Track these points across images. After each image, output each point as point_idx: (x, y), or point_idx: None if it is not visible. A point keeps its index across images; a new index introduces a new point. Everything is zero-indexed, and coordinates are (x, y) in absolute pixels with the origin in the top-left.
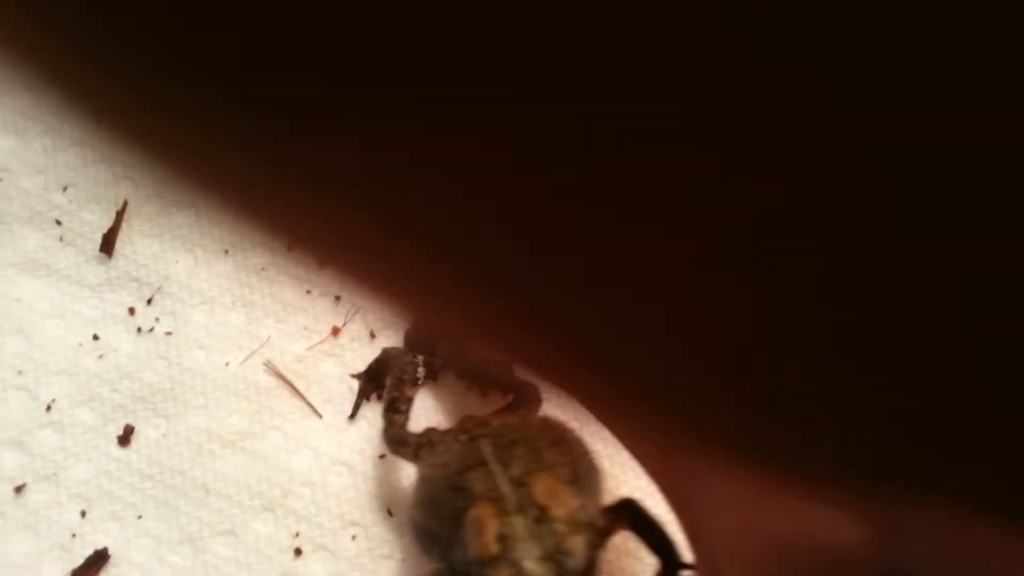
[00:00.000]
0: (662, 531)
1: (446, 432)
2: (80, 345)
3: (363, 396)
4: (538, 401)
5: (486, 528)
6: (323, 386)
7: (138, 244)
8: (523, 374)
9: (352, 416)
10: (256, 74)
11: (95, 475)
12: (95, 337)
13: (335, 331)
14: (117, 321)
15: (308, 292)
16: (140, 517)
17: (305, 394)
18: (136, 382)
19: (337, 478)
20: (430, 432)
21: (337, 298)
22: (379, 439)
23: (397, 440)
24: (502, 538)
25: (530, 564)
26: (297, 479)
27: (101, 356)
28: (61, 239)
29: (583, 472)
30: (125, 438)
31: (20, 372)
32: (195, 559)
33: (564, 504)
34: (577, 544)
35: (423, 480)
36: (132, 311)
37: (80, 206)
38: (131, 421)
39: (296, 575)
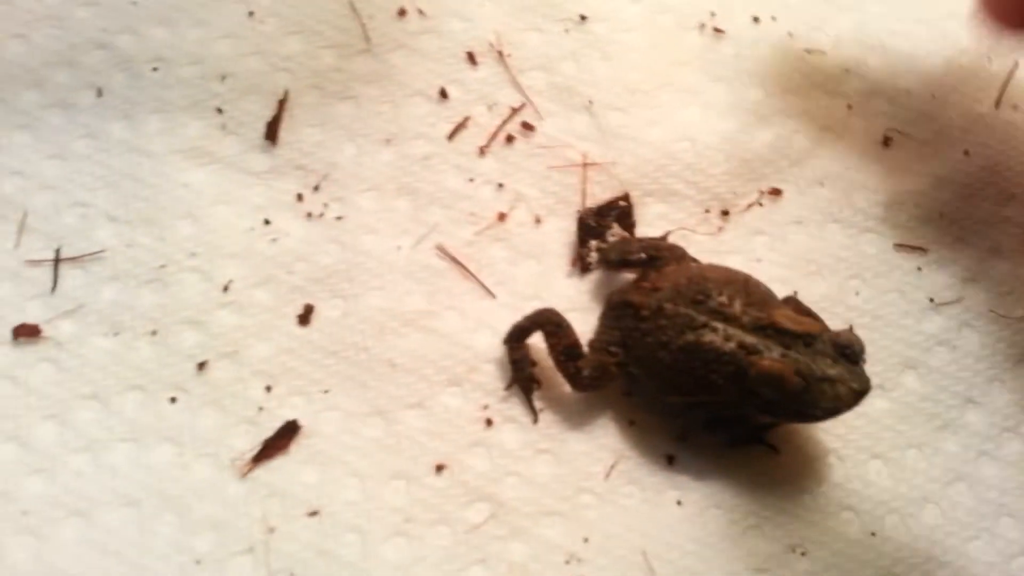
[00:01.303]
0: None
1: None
2: (251, 229)
3: (528, 394)
4: (684, 256)
5: (783, 372)
6: (494, 269)
7: (301, 133)
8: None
9: (535, 421)
10: None
11: (276, 352)
12: (266, 222)
13: (501, 217)
14: (286, 207)
15: (471, 180)
16: (327, 392)
17: (478, 276)
18: (311, 264)
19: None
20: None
21: (500, 185)
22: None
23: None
24: (798, 373)
25: (835, 371)
26: (481, 356)
27: (273, 240)
28: (223, 127)
29: (768, 292)
30: (305, 317)
31: (193, 254)
32: (387, 430)
33: (804, 322)
34: (850, 336)
35: (644, 359)
36: (300, 197)
37: (240, 95)
38: (309, 301)
39: (489, 443)
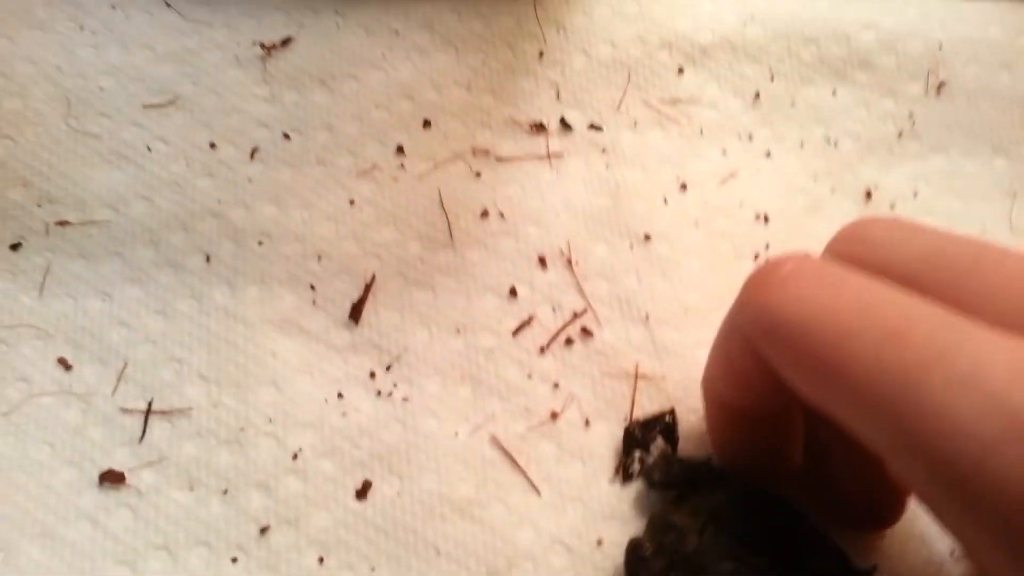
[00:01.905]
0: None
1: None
2: (326, 401)
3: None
4: (724, 478)
5: None
6: (541, 465)
7: (381, 315)
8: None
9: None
10: None
11: (333, 524)
12: (339, 395)
13: (553, 415)
14: (359, 383)
15: (529, 376)
16: (373, 569)
17: (526, 470)
18: (375, 441)
19: (557, 557)
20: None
21: (555, 385)
22: (595, 521)
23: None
24: None
25: None
26: (520, 552)
27: (344, 413)
28: (314, 303)
29: None
30: (363, 492)
31: (271, 420)
32: None
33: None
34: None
35: None
36: (373, 375)
37: (332, 275)
38: (369, 476)
39: None
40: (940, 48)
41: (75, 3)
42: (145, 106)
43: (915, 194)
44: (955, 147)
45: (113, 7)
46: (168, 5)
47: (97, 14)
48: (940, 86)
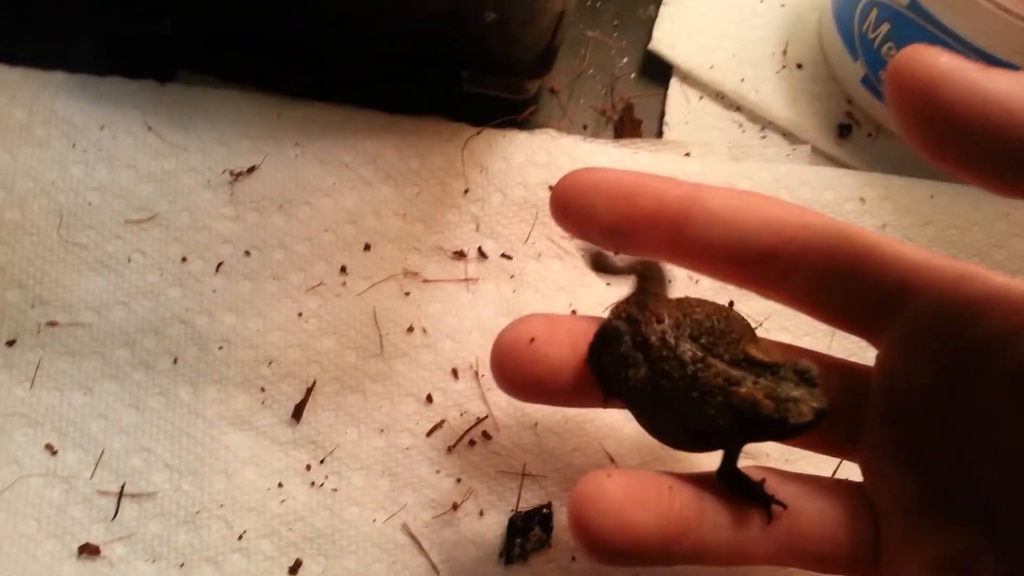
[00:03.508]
0: None
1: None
2: (268, 490)
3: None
4: (664, 280)
5: (757, 398)
6: (442, 549)
7: (319, 415)
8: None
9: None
10: None
11: None
12: (280, 485)
13: (455, 506)
14: (297, 474)
15: (437, 472)
16: None
17: (428, 553)
18: (307, 525)
19: None
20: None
21: (458, 480)
22: None
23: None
24: (768, 397)
25: (798, 393)
26: None
27: (283, 501)
28: (263, 403)
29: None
30: (295, 569)
31: (222, 505)
32: None
33: (771, 352)
34: (807, 363)
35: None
36: (309, 468)
37: (280, 379)
38: (300, 556)
39: None
40: None
41: (69, 122)
42: (127, 221)
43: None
44: None
45: (102, 127)
46: (149, 128)
47: (87, 134)
48: None
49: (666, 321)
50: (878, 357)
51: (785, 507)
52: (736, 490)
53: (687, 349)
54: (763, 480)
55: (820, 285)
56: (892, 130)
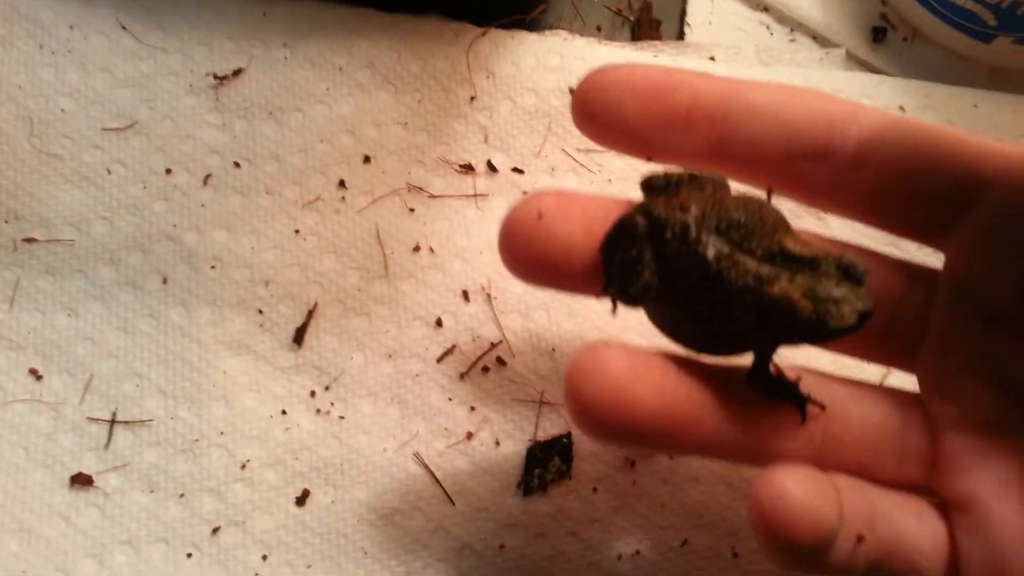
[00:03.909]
0: None
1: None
2: (271, 417)
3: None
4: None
5: (792, 297)
6: (456, 479)
7: (322, 339)
8: None
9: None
10: None
11: (275, 527)
12: (283, 412)
13: (469, 435)
14: (301, 402)
15: (449, 400)
16: (309, 567)
17: (443, 483)
18: (313, 454)
19: (465, 560)
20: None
21: (472, 408)
22: (499, 529)
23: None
24: (806, 296)
25: (840, 292)
26: (435, 555)
27: (287, 429)
28: (261, 326)
29: (779, 215)
30: (302, 499)
31: (222, 433)
32: None
33: (810, 246)
34: (853, 257)
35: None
36: (313, 394)
37: (278, 300)
38: (307, 486)
39: None
40: None
41: (34, 20)
42: (104, 129)
43: None
44: None
45: (71, 27)
46: (124, 28)
47: (55, 33)
48: None
49: (692, 211)
50: (948, 260)
51: (823, 408)
52: (767, 390)
53: (712, 244)
54: (798, 379)
55: (883, 185)
56: (929, 34)
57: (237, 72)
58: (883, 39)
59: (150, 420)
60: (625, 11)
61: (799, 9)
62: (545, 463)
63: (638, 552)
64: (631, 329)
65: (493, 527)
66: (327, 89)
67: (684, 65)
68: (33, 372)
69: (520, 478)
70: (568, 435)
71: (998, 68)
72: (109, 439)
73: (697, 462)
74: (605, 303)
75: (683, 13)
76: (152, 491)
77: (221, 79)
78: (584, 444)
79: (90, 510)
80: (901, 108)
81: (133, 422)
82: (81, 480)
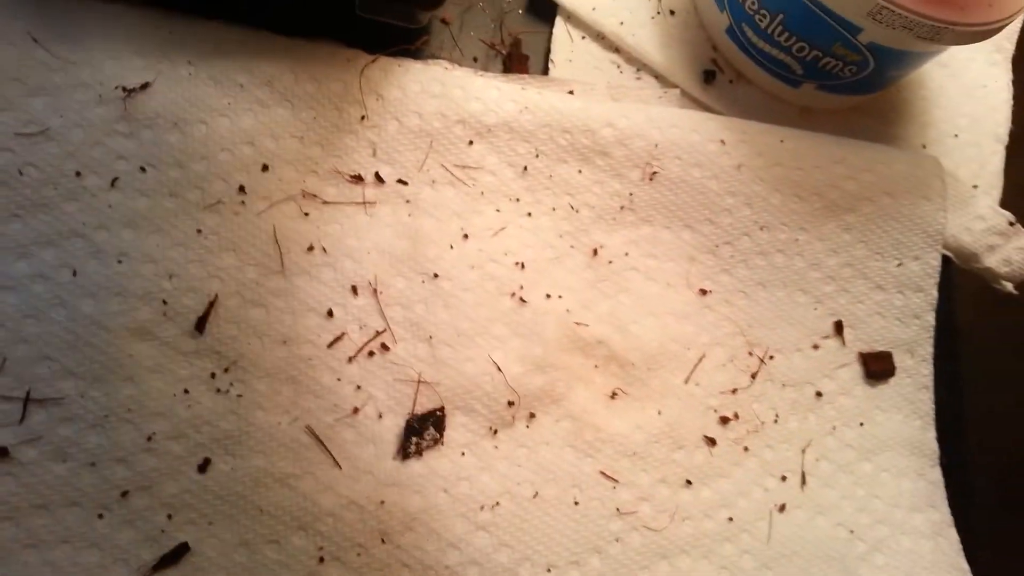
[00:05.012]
0: None
1: None
2: (174, 396)
3: None
4: None
5: None
6: (343, 448)
7: (222, 327)
8: None
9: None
10: None
11: (180, 491)
12: (186, 391)
13: (355, 411)
14: (202, 382)
15: (338, 380)
16: (211, 524)
17: (331, 451)
18: (214, 428)
19: (350, 513)
20: None
21: (358, 387)
22: (380, 487)
23: None
24: None
25: None
26: (324, 511)
27: (189, 406)
28: (165, 315)
29: None
30: (203, 467)
31: (129, 410)
32: (250, 559)
33: None
34: None
35: None
36: (213, 376)
37: (182, 293)
38: (209, 456)
39: None
40: (656, 147)
41: None
42: (17, 134)
43: (626, 253)
44: (658, 221)
45: None
46: (35, 41)
47: None
48: (653, 175)
49: None
50: None
51: None
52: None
53: None
54: None
55: None
56: (750, 78)
57: (144, 86)
58: (713, 81)
59: (62, 398)
60: (498, 46)
61: (644, 52)
62: (421, 432)
63: (498, 504)
64: (496, 320)
65: (376, 486)
66: (228, 104)
67: (547, 96)
68: None
69: (399, 446)
70: (442, 408)
71: (806, 108)
72: (23, 415)
73: (549, 429)
74: (479, 299)
75: (548, 51)
76: (64, 461)
77: (129, 91)
78: (455, 416)
79: (6, 479)
80: (722, 141)
81: (46, 400)
82: None
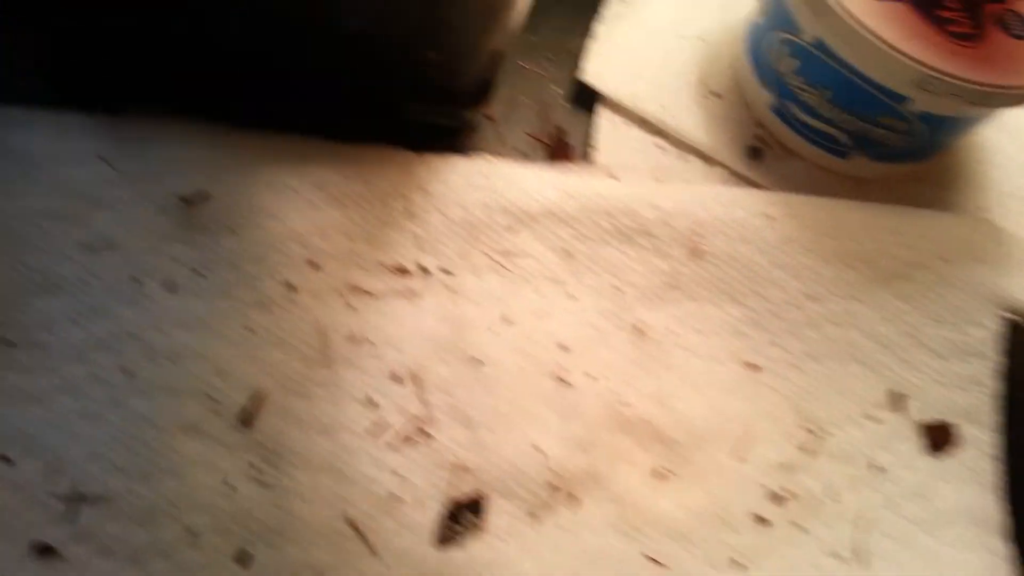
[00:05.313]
0: None
1: None
2: (217, 489)
3: None
4: None
5: None
6: (382, 535)
7: (267, 420)
8: None
9: None
10: None
11: None
12: (229, 484)
13: (394, 498)
14: (243, 474)
15: (378, 468)
16: None
17: (369, 540)
18: (255, 520)
19: None
20: None
21: (397, 474)
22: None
23: None
24: None
25: None
26: None
27: (231, 499)
28: (213, 410)
29: None
30: (244, 560)
31: (174, 505)
32: None
33: None
34: None
35: None
36: (256, 468)
37: (231, 389)
38: (249, 549)
39: None
40: (701, 224)
41: (22, 155)
42: (81, 245)
43: (671, 331)
44: (703, 297)
45: (55, 159)
46: (102, 159)
47: (42, 165)
48: (698, 252)
49: None
50: None
51: None
52: None
53: None
54: None
55: None
56: (797, 151)
57: (203, 195)
58: (759, 158)
59: (109, 495)
60: (542, 137)
61: (688, 134)
62: (461, 519)
63: None
64: (538, 402)
65: (415, 575)
66: (281, 207)
67: (592, 182)
68: (4, 458)
69: (439, 532)
70: (482, 494)
71: (856, 179)
72: (73, 513)
73: (592, 512)
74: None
75: (591, 139)
76: (110, 558)
77: (189, 201)
78: (495, 501)
79: None
80: (769, 216)
81: (95, 498)
82: (45, 550)
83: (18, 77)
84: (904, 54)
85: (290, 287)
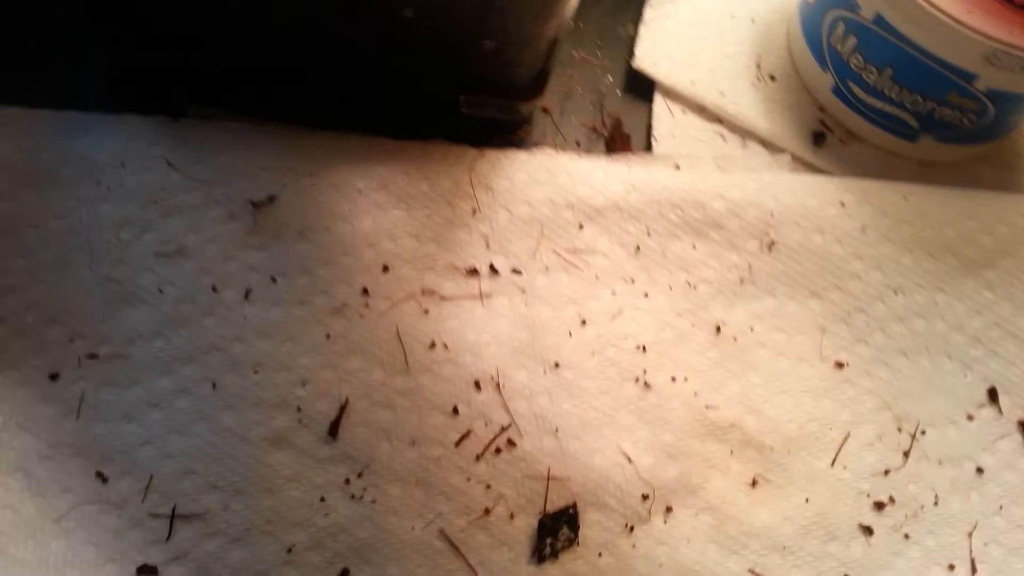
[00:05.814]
0: None
1: None
2: (312, 504)
3: None
4: None
5: None
6: (478, 552)
7: (353, 431)
8: None
9: None
10: None
11: None
12: (322, 499)
13: (486, 511)
14: (337, 488)
15: (468, 480)
16: None
17: (466, 556)
18: (350, 536)
19: None
20: None
21: (488, 486)
22: None
23: None
24: None
25: None
26: None
27: (326, 514)
28: (300, 422)
29: None
30: None
31: (270, 521)
32: None
33: None
34: None
35: None
36: (348, 481)
37: (315, 398)
38: (347, 565)
39: None
40: (772, 215)
41: (91, 161)
42: (157, 254)
43: (751, 329)
44: (781, 292)
45: (123, 165)
46: (169, 164)
47: (110, 171)
48: (771, 244)
49: None
50: None
51: None
52: None
53: None
54: None
55: None
56: (863, 136)
57: (271, 198)
58: (823, 142)
59: (205, 513)
60: (599, 128)
61: (748, 120)
62: (555, 532)
63: None
64: (622, 408)
65: None
66: (349, 209)
67: (654, 173)
68: (99, 475)
69: (534, 547)
70: (574, 505)
71: (925, 162)
72: (170, 532)
73: (688, 524)
74: (602, 387)
75: (649, 128)
76: None
77: (258, 205)
78: (588, 513)
79: None
80: (842, 204)
81: (191, 515)
82: (147, 571)
83: (79, 82)
84: (970, 27)
85: (364, 292)
